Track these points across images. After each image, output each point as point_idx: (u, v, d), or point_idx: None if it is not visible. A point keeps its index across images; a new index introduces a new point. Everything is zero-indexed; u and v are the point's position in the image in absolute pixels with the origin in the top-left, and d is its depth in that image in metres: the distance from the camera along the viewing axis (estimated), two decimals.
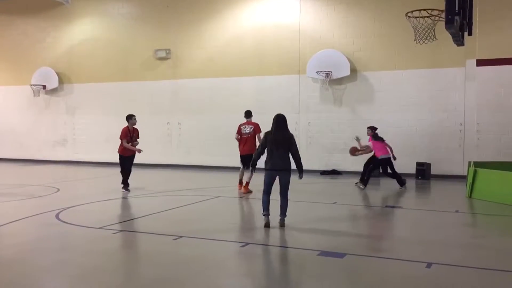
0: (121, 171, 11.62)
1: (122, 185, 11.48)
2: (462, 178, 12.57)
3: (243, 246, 6.42)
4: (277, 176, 7.40)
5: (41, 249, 6.32)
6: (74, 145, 19.20)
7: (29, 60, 19.80)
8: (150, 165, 17.13)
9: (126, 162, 11.65)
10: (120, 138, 11.42)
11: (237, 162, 11.69)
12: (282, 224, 7.43)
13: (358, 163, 14.90)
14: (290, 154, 7.40)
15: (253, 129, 11.13)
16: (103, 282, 5.09)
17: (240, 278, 5.27)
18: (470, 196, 10.45)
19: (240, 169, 11.26)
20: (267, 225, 7.30)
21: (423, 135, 14.39)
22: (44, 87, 19.30)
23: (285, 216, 7.48)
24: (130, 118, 11.65)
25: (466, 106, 13.95)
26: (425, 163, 13.93)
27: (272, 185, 7.46)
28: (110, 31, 18.51)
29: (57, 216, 8.33)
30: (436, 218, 8.54)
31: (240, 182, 11.24)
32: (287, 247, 6.39)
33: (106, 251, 6.21)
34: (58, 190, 11.61)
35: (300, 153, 7.69)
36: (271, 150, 7.33)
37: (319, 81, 15.34)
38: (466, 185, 10.83)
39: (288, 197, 7.57)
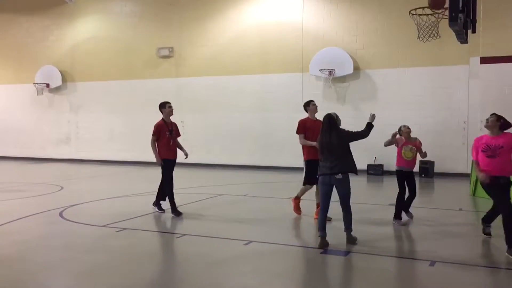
0: (162, 184, 8.57)
1: (156, 202, 8.57)
2: (466, 176, 12.54)
3: (246, 244, 6.42)
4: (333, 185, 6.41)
5: (44, 247, 6.34)
6: (78, 143, 19.24)
7: (32, 59, 19.84)
8: (154, 163, 17.09)
9: (171, 169, 8.57)
10: (152, 135, 8.52)
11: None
12: (353, 240, 6.33)
13: (362, 161, 14.89)
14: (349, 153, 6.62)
15: None
16: (107, 280, 5.10)
17: (244, 276, 5.27)
18: (474, 194, 10.42)
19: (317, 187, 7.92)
20: (325, 244, 6.17)
21: (426, 133, 14.32)
22: (47, 85, 19.34)
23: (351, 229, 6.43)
24: (163, 106, 8.73)
25: (469, 104, 13.91)
26: (429, 161, 13.88)
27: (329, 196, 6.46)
28: (113, 30, 18.53)
29: (60, 214, 8.35)
30: (439, 216, 8.52)
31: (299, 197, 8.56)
32: (290, 245, 6.38)
33: (110, 249, 6.22)
34: (62, 188, 11.64)
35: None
36: (321, 155, 6.48)
37: (322, 79, 15.31)
38: (470, 183, 10.81)
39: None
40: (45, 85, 19.32)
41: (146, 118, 18.01)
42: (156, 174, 15.14)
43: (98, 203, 9.69)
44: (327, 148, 6.46)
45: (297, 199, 8.44)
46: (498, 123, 6.33)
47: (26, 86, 19.76)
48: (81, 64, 19.11)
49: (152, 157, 8.54)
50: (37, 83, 19.30)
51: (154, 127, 8.51)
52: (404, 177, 7.71)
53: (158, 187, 8.68)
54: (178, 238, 6.79)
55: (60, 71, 19.26)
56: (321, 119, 7.08)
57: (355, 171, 6.60)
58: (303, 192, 8.39)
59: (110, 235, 6.98)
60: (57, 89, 19.48)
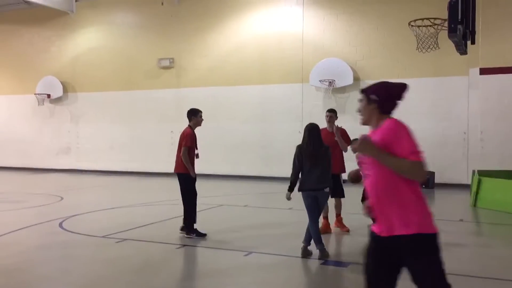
0: (187, 203, 7.42)
1: (185, 227, 7.40)
2: (466, 186, 12.52)
3: (246, 255, 6.40)
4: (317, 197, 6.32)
5: (44, 257, 6.32)
6: (78, 153, 19.24)
7: (33, 69, 19.91)
8: (154, 174, 17.13)
9: (194, 185, 7.51)
10: (184, 145, 7.30)
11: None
12: (326, 255, 6.14)
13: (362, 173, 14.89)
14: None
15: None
16: None
17: (246, 287, 5.25)
18: (474, 205, 10.39)
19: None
20: (327, 255, 6.07)
21: (426, 144, 14.22)
22: (48, 96, 19.39)
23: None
24: (195, 113, 7.61)
25: (469, 114, 13.93)
26: (429, 171, 13.89)
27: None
28: (114, 41, 18.62)
29: (60, 225, 8.33)
30: (440, 227, 8.40)
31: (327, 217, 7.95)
32: (290, 256, 6.36)
33: (109, 260, 6.20)
34: (62, 198, 11.63)
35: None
36: (303, 168, 6.27)
37: (323, 89, 15.35)
38: (470, 194, 10.79)
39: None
40: (46, 95, 19.37)
41: (146, 128, 18.07)
42: (156, 185, 15.20)
43: (98, 214, 9.67)
44: (314, 159, 6.27)
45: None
46: None
47: (27, 97, 19.81)
48: (82, 75, 19.17)
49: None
50: (38, 94, 19.36)
51: (187, 136, 7.33)
52: None
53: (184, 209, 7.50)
54: (177, 248, 6.77)
55: (61, 82, 19.32)
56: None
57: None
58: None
59: (110, 246, 6.96)
60: (58, 100, 19.53)
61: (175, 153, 7.66)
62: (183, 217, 7.46)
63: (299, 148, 6.34)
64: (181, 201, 7.51)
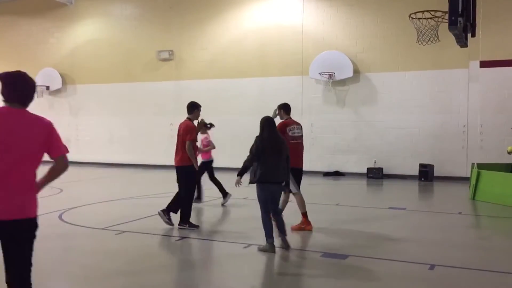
0: (186, 196, 7.50)
1: (182, 221, 7.42)
2: (466, 179, 12.54)
3: (245, 247, 6.42)
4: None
5: (44, 249, 6.32)
6: (77, 145, 19.21)
7: (32, 61, 19.83)
8: (153, 166, 17.14)
9: (194, 177, 7.85)
10: (187, 139, 7.38)
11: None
12: (287, 246, 6.21)
13: (361, 164, 14.91)
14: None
15: (302, 131, 8.10)
16: (106, 283, 5.10)
17: (243, 278, 5.27)
18: (473, 198, 10.41)
19: (298, 196, 7.43)
20: (273, 251, 6.05)
21: (426, 137, 14.36)
22: (47, 88, 19.35)
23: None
24: (197, 107, 7.87)
25: (469, 107, 13.92)
26: (428, 164, 13.90)
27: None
28: (113, 32, 18.55)
29: (60, 217, 8.34)
30: (439, 220, 8.52)
31: (305, 215, 7.47)
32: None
33: (109, 252, 6.21)
34: (61, 190, 11.63)
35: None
36: (263, 160, 6.07)
37: (322, 82, 15.33)
38: (470, 187, 10.81)
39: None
40: (45, 87, 19.33)
41: (145, 120, 18.05)
42: (155, 177, 15.21)
43: (97, 206, 9.68)
44: (275, 151, 6.15)
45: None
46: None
47: None
48: (81, 67, 19.12)
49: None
50: (37, 86, 19.28)
51: (192, 130, 7.48)
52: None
53: (175, 202, 7.55)
54: (177, 241, 6.78)
55: (60, 74, 19.27)
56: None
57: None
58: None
59: (110, 238, 6.97)
60: (57, 92, 19.49)
61: (174, 145, 7.65)
62: (170, 203, 7.49)
63: (260, 138, 6.19)
64: (176, 193, 7.54)
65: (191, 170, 7.42)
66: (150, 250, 6.36)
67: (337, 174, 15.15)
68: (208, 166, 9.95)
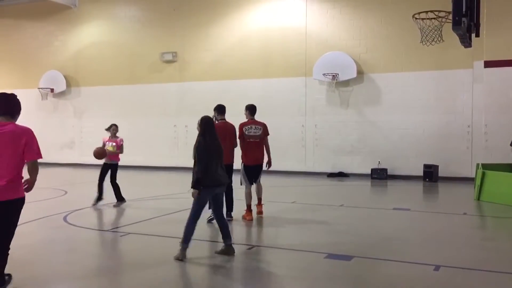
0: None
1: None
2: (470, 180, 12.49)
3: (250, 248, 6.42)
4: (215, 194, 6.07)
5: (49, 251, 6.35)
6: (82, 147, 19.28)
7: (37, 64, 19.93)
8: (157, 168, 17.17)
9: None
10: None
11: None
12: (232, 252, 6.01)
13: (365, 165, 14.89)
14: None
15: (262, 131, 8.59)
16: (111, 285, 5.10)
17: (247, 280, 5.27)
18: (478, 199, 10.37)
19: (247, 190, 8.40)
20: (184, 257, 5.79)
21: (430, 137, 14.32)
22: (52, 90, 19.42)
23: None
24: (224, 111, 8.55)
25: (474, 107, 13.88)
26: (433, 165, 13.86)
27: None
28: (117, 35, 18.61)
29: (64, 219, 8.37)
30: (444, 220, 8.49)
31: (250, 208, 8.35)
32: (294, 249, 6.37)
33: (114, 254, 6.22)
34: (66, 192, 11.67)
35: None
36: (206, 162, 5.83)
37: (326, 83, 15.31)
38: (474, 187, 10.77)
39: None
40: (49, 90, 19.39)
41: (149, 122, 18.09)
42: (159, 179, 15.22)
43: (102, 208, 9.70)
44: (216, 153, 5.98)
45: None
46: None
47: (30, 91, 19.81)
48: (85, 69, 19.18)
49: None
50: (41, 88, 19.38)
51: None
52: (108, 168, 9.88)
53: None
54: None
55: (65, 76, 19.34)
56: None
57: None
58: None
59: (114, 240, 6.98)
60: (62, 94, 19.56)
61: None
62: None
63: (203, 142, 5.92)
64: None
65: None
66: (155, 251, 6.37)
67: (341, 175, 15.13)
68: (114, 168, 10.06)
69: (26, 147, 4.37)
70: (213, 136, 6.01)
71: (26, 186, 4.49)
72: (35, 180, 4.50)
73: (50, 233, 7.43)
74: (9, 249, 4.58)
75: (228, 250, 5.97)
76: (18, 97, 4.67)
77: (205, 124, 6.05)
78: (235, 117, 9.55)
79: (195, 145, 5.97)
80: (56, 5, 19.04)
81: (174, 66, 17.66)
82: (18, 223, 4.85)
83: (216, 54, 16.94)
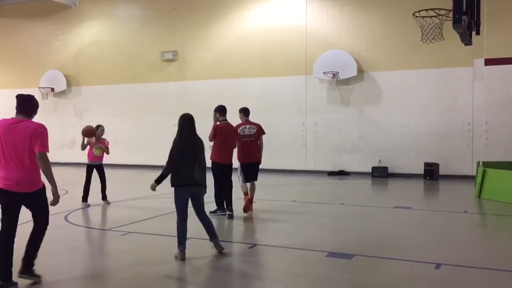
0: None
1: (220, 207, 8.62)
2: (471, 178, 12.49)
3: (250, 247, 6.42)
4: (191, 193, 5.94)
5: (50, 250, 6.35)
6: None
7: (37, 63, 19.93)
8: (157, 167, 17.14)
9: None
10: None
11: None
12: (222, 247, 6.05)
13: (366, 163, 14.89)
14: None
15: (256, 130, 8.95)
16: (111, 284, 5.11)
17: (249, 279, 5.27)
18: (479, 197, 10.38)
19: (242, 183, 8.93)
20: (183, 258, 5.77)
21: (431, 135, 14.32)
22: (52, 89, 19.42)
23: (217, 236, 6.13)
24: (225, 112, 9.00)
25: (474, 105, 13.87)
26: (433, 163, 13.86)
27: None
28: (117, 34, 18.60)
29: (65, 218, 8.37)
30: (444, 218, 8.49)
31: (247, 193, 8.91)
32: (294, 248, 6.38)
33: (115, 253, 6.23)
34: (67, 192, 11.67)
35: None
36: (182, 161, 5.78)
37: (326, 81, 15.30)
38: (475, 185, 10.77)
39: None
40: (50, 89, 19.40)
41: (150, 121, 18.09)
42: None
43: (102, 207, 9.71)
44: (194, 152, 5.87)
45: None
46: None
47: (31, 91, 19.33)
48: (85, 68, 19.18)
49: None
50: (42, 88, 19.38)
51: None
52: (93, 168, 9.86)
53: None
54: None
55: (65, 76, 19.34)
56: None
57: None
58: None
59: (115, 239, 6.99)
60: (62, 93, 19.56)
61: None
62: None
63: (179, 139, 5.83)
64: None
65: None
66: (156, 251, 6.37)
67: (341, 173, 15.12)
68: (101, 167, 10.22)
69: (37, 140, 4.79)
70: (191, 134, 5.92)
71: (51, 202, 4.96)
72: (52, 180, 4.88)
73: (50, 232, 7.39)
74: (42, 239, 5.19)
75: (216, 248, 6.03)
76: (35, 98, 5.19)
77: (183, 121, 5.98)
78: (236, 115, 9.59)
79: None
80: (57, 5, 19.03)
81: (175, 65, 17.65)
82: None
83: (216, 53, 16.94)
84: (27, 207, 4.99)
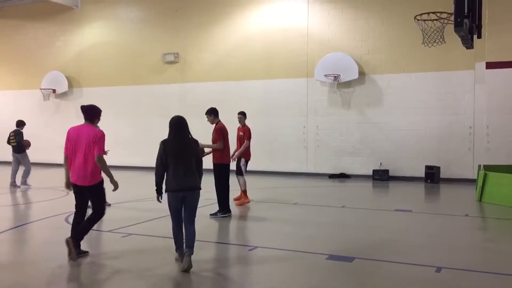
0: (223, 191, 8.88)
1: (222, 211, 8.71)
2: (472, 181, 12.48)
3: (251, 249, 6.42)
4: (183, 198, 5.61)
5: (51, 252, 6.36)
6: None
7: (39, 64, 19.97)
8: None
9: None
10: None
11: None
12: (189, 264, 5.41)
13: (367, 166, 14.88)
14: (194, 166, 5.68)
15: (244, 134, 10.70)
16: (112, 285, 5.11)
17: (249, 282, 5.27)
18: (480, 200, 10.37)
19: (242, 179, 10.14)
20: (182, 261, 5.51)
21: (432, 138, 14.31)
22: (54, 91, 19.45)
23: (192, 250, 5.56)
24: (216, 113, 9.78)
25: (475, 109, 13.87)
26: (435, 166, 13.85)
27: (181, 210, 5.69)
28: (119, 35, 18.63)
29: (66, 220, 8.37)
30: (445, 222, 8.48)
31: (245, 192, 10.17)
32: (295, 250, 6.37)
33: (116, 255, 6.23)
34: (68, 193, 11.67)
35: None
36: (167, 166, 5.60)
37: (327, 84, 15.31)
38: (476, 188, 10.76)
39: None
40: (51, 90, 19.43)
41: (151, 123, 18.10)
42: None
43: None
44: (179, 156, 5.61)
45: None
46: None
47: (32, 92, 19.87)
48: (87, 70, 19.21)
49: None
50: (43, 89, 19.41)
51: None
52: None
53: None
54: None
55: (66, 77, 19.37)
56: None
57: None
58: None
59: (116, 241, 6.99)
60: (64, 95, 19.59)
61: None
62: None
63: (163, 144, 5.66)
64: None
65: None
66: (157, 252, 6.37)
67: (342, 176, 15.12)
68: None
69: (95, 145, 5.81)
70: (178, 138, 5.64)
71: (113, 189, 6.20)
72: (109, 175, 6.04)
73: (51, 234, 7.43)
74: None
75: (183, 259, 5.44)
76: (97, 107, 6.29)
77: (170, 125, 5.78)
78: (236, 116, 9.78)
79: None
80: (58, 6, 19.08)
81: (176, 67, 17.68)
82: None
83: (218, 55, 16.95)
84: (88, 198, 6.08)
